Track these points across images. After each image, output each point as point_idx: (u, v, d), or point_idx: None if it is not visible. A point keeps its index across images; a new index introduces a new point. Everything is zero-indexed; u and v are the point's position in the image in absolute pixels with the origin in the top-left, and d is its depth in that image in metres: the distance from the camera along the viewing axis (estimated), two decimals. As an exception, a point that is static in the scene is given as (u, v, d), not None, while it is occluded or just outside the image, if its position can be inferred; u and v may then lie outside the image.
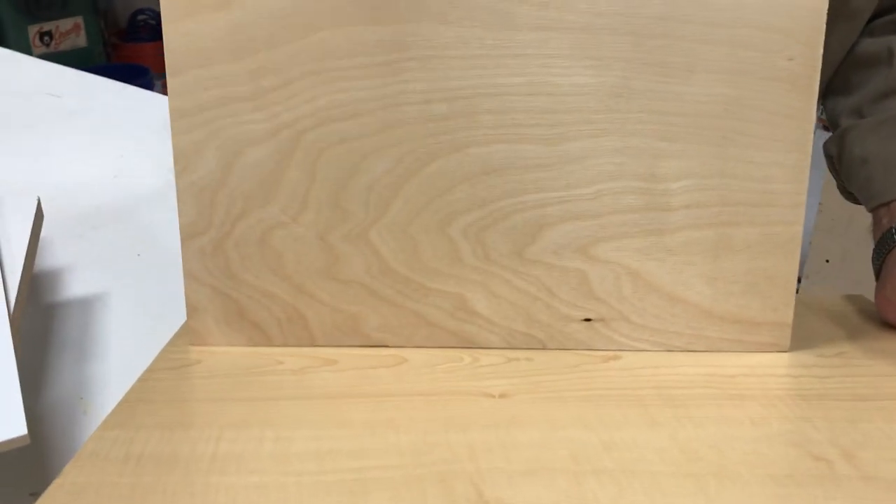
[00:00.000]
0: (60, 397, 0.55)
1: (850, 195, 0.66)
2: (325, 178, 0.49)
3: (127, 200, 0.82)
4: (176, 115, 0.49)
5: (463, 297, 0.51)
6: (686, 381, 0.48)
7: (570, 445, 0.41)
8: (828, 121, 0.68)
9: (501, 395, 0.46)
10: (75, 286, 0.67)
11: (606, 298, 0.51)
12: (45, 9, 2.54)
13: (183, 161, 0.49)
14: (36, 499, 0.37)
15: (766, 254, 0.50)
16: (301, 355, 0.51)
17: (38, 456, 0.49)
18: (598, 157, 0.49)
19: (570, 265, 0.50)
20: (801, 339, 0.52)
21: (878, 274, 0.57)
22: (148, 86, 2.34)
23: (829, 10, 0.47)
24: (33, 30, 2.55)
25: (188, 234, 0.50)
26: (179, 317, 0.53)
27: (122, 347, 0.60)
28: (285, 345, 0.52)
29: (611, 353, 0.51)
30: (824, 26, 0.47)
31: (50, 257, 0.71)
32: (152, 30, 2.89)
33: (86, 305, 0.65)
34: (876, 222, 0.60)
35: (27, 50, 2.46)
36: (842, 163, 0.64)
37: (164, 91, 0.63)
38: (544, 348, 0.52)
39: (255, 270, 0.51)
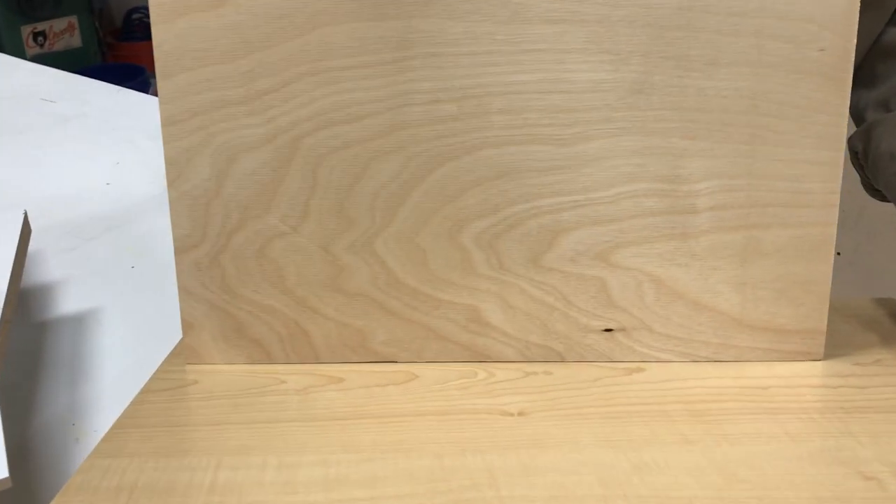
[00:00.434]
0: (51, 423, 0.52)
1: (875, 192, 0.64)
2: (326, 185, 0.47)
3: (122, 209, 0.80)
4: (167, 121, 0.46)
5: (476, 308, 0.49)
6: (716, 394, 0.46)
7: (597, 469, 0.39)
8: (852, 114, 0.65)
9: (519, 413, 0.44)
10: (67, 302, 0.65)
11: (628, 307, 0.48)
12: (39, 9, 2.50)
13: (175, 170, 0.47)
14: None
15: (798, 257, 0.48)
16: (304, 373, 0.49)
17: (27, 490, 0.46)
18: (617, 157, 0.47)
19: (588, 273, 0.48)
20: (834, 346, 0.50)
21: None
22: (144, 85, 2.32)
23: None
24: (26, 30, 2.51)
25: (182, 247, 0.48)
26: (176, 333, 0.51)
27: (116, 366, 0.58)
28: (287, 362, 0.49)
29: (633, 366, 0.49)
30: (857, 14, 0.45)
31: (41, 271, 0.69)
32: (148, 28, 2.84)
33: (77, 322, 0.63)
34: None
35: (20, 51, 2.44)
36: (868, 158, 0.61)
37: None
38: (563, 361, 0.49)
39: (254, 284, 0.48)
